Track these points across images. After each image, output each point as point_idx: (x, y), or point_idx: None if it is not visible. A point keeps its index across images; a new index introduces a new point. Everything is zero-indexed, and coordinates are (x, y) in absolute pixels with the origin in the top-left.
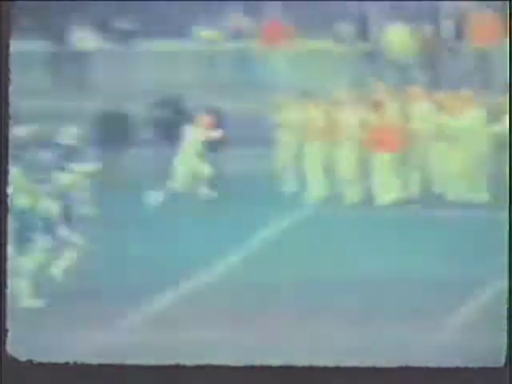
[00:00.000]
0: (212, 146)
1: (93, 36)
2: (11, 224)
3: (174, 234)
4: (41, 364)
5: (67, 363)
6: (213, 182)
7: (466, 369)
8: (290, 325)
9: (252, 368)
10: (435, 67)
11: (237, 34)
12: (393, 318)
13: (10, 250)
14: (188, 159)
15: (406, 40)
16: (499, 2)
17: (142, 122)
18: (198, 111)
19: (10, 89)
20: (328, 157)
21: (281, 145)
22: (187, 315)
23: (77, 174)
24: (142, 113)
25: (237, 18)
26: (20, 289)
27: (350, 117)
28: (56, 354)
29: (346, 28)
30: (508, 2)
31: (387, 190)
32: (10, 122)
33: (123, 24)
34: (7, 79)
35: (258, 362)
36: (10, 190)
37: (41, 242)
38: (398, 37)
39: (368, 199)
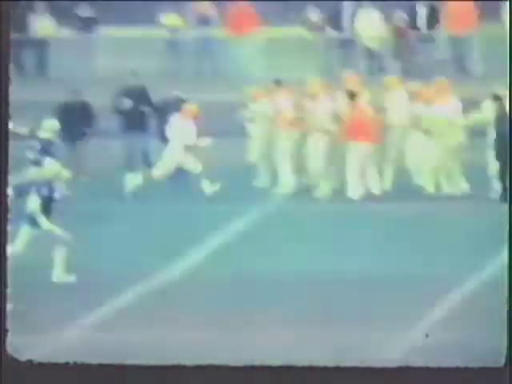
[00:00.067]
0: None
1: (54, 23)
2: None
3: (148, 224)
4: (41, 364)
5: (67, 363)
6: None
7: (465, 369)
8: (262, 319)
9: (241, 368)
10: (409, 55)
11: (202, 22)
12: (361, 317)
13: (10, 250)
14: (173, 150)
15: (379, 28)
16: None
17: (106, 111)
18: (164, 101)
19: (10, 89)
20: (300, 148)
21: (251, 136)
22: (155, 312)
23: (52, 167)
24: (105, 102)
25: (201, 5)
26: None
27: (323, 107)
28: (56, 354)
29: (318, 15)
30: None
31: (361, 182)
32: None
33: (85, 11)
34: (7, 79)
35: (230, 361)
36: (9, 191)
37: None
38: (370, 24)
39: (341, 192)
